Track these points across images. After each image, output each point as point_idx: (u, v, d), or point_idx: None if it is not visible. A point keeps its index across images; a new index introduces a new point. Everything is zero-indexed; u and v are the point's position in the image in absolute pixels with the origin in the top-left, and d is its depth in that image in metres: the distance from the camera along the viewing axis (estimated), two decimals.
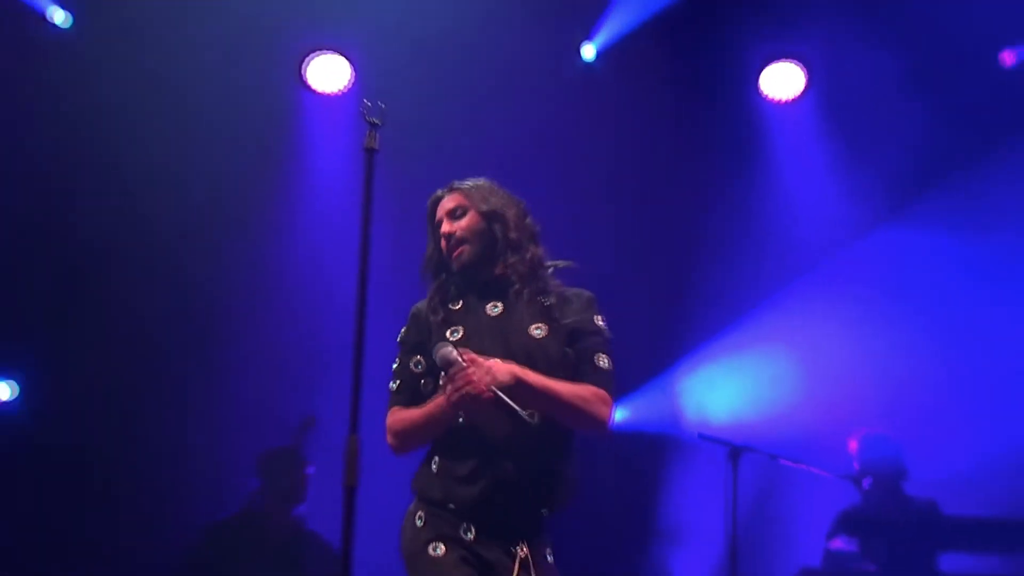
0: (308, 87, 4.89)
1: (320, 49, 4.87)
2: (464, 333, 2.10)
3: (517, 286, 2.17)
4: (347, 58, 4.88)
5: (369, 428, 1.91)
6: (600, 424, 2.18)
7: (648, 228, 4.99)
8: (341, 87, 4.88)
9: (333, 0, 4.84)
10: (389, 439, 2.27)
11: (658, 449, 4.99)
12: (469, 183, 2.33)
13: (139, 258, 4.81)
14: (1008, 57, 5.09)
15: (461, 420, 2.12)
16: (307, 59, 4.87)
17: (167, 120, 4.71)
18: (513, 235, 2.25)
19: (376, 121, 2.07)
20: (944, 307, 4.74)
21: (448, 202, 2.29)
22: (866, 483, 4.09)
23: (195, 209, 4.81)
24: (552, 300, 2.19)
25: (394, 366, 2.33)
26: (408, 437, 2.25)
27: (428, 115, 4.62)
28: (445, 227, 2.26)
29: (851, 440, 4.29)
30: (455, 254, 2.22)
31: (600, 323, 2.23)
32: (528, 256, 2.20)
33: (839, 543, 4.10)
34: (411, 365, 2.25)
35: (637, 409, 4.96)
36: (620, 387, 2.28)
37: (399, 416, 2.24)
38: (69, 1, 4.73)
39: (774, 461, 3.91)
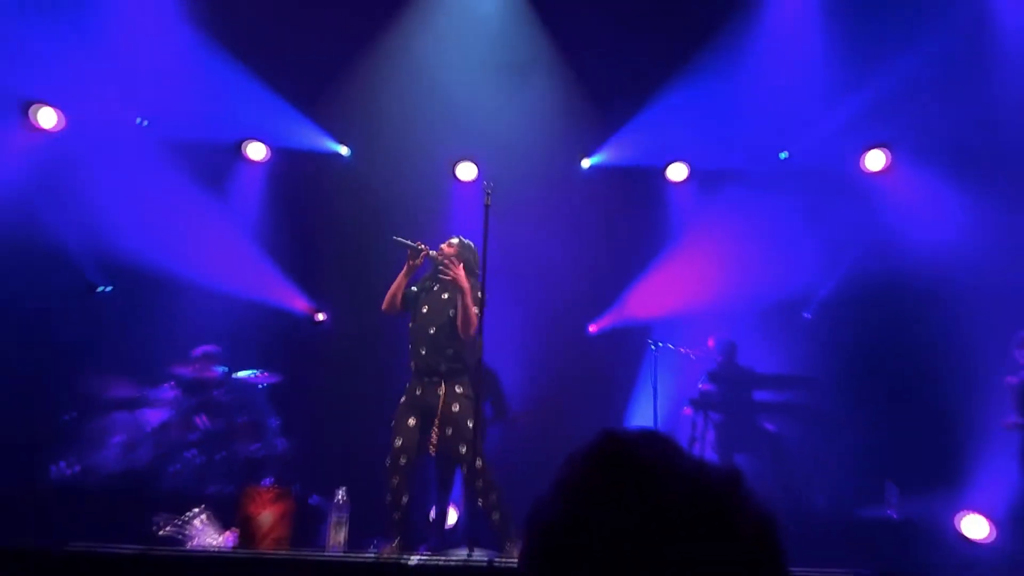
0: (456, 177, 7.85)
1: (460, 158, 7.77)
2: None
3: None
4: (474, 161, 7.86)
5: None
6: (467, 332, 4.53)
7: None
8: (472, 177, 7.84)
9: (469, 124, 7.50)
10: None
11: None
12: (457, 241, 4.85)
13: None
14: None
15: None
16: (456, 162, 7.81)
17: (394, 205, 7.28)
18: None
19: (489, 192, 4.54)
20: None
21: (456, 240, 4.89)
22: (718, 357, 6.79)
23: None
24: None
25: None
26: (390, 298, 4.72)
27: (518, 192, 6.73)
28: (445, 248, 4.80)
29: (710, 339, 6.90)
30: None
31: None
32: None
33: (706, 387, 6.65)
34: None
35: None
36: None
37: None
38: (348, 140, 7.84)
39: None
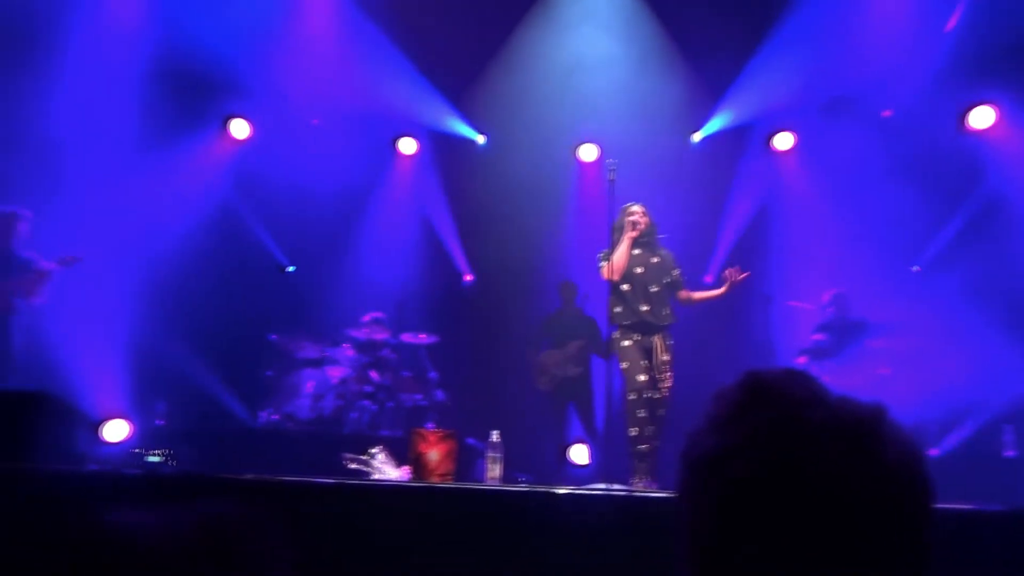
0: (578, 159, 7.77)
1: (583, 141, 7.69)
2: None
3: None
4: (597, 143, 7.69)
5: None
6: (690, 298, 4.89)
7: None
8: (593, 158, 7.74)
9: (591, 109, 7.41)
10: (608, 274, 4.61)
11: None
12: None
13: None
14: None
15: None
16: (580, 145, 7.70)
17: (526, 185, 7.40)
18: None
19: (613, 169, 4.57)
20: None
21: (639, 207, 4.85)
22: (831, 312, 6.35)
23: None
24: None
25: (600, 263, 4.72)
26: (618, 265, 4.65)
27: (634, 166, 6.49)
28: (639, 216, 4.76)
29: (825, 293, 6.44)
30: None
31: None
32: None
33: (818, 337, 6.36)
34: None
35: None
36: None
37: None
38: (485, 130, 7.97)
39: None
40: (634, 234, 4.67)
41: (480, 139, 8.03)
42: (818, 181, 7.35)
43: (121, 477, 3.40)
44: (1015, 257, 6.36)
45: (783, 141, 7.59)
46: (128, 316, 6.55)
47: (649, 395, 4.58)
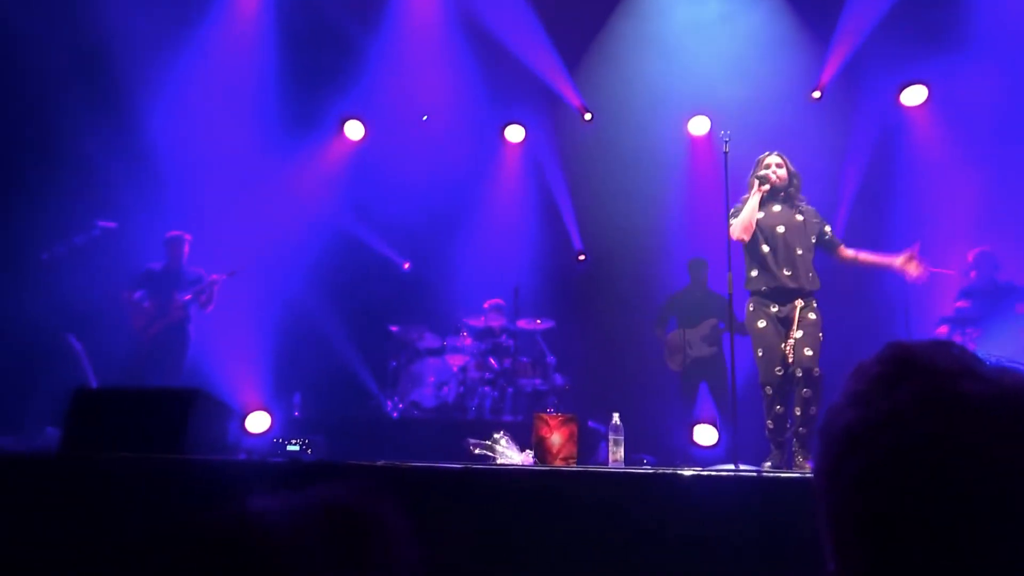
0: (688, 134, 7.63)
1: (695, 112, 7.51)
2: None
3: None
4: (707, 116, 7.51)
5: None
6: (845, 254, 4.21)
7: None
8: (704, 131, 7.55)
9: (703, 72, 7.15)
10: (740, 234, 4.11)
11: None
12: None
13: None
14: None
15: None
16: (689, 118, 7.57)
17: (637, 162, 7.47)
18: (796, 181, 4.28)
19: (727, 140, 4.15)
20: None
21: (776, 157, 4.27)
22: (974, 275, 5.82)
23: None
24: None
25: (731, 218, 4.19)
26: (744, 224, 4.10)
27: (746, 136, 6.34)
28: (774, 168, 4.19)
29: (969, 254, 5.99)
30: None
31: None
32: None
33: (962, 303, 5.79)
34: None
35: None
36: None
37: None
38: (592, 107, 7.84)
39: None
40: (765, 188, 4.16)
41: (587, 116, 7.91)
42: (954, 136, 6.78)
43: (268, 465, 3.60)
44: None
45: (914, 95, 7.06)
46: (265, 314, 6.96)
47: (785, 385, 4.07)
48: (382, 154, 7.93)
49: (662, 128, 7.49)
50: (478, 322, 6.78)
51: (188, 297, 6.15)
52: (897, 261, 4.23)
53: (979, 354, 0.74)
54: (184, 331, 6.20)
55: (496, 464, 3.91)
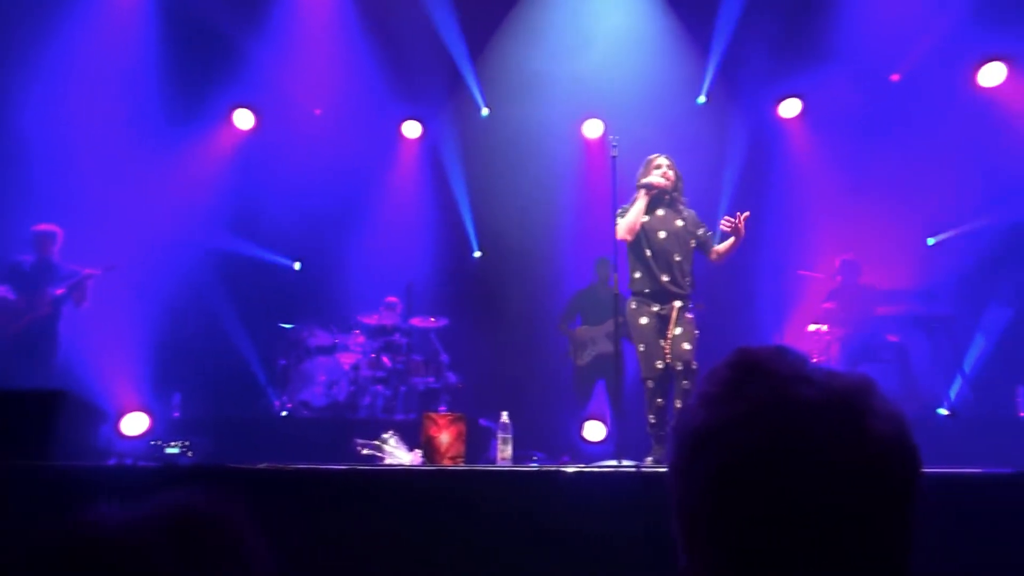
0: (583, 136, 7.67)
1: (589, 115, 7.57)
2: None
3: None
4: (601, 119, 7.57)
5: None
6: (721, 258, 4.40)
7: None
8: (598, 134, 7.61)
9: (598, 76, 7.17)
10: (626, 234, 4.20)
11: None
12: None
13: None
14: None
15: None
16: (584, 120, 7.64)
17: (521, 154, 7.42)
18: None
19: (615, 145, 4.33)
20: None
21: (664, 159, 4.35)
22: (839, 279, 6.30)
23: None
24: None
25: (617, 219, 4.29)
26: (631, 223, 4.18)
27: (635, 140, 6.50)
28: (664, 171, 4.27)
29: (835, 259, 6.36)
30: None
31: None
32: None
33: (829, 304, 6.23)
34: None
35: None
36: None
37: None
38: (489, 103, 7.85)
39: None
40: (652, 192, 4.24)
41: (484, 111, 7.90)
42: (826, 148, 7.21)
43: (137, 471, 3.42)
44: None
45: (790, 107, 7.46)
46: (142, 310, 6.60)
47: (665, 380, 4.19)
48: (274, 146, 7.67)
49: (558, 128, 7.57)
50: (371, 320, 6.67)
51: (61, 292, 5.76)
52: (734, 241, 4.36)
53: (810, 360, 0.79)
54: (53, 329, 5.82)
55: (383, 464, 3.86)
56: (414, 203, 7.98)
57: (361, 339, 6.65)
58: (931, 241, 6.85)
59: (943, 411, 5.78)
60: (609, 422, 6.41)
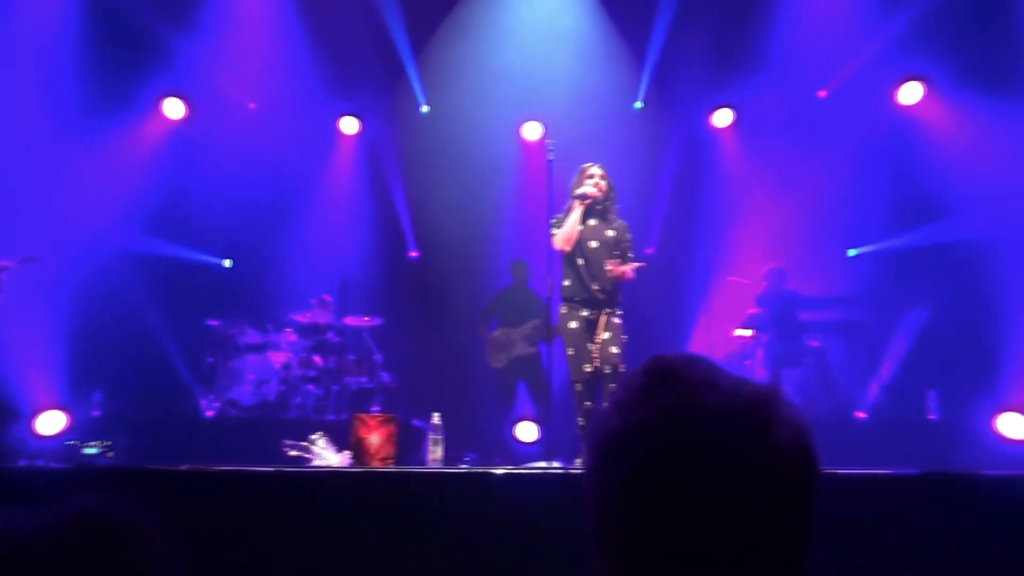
0: (522, 139, 7.66)
1: (527, 117, 7.58)
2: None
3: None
4: (540, 121, 7.54)
5: None
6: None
7: None
8: (537, 136, 7.56)
9: (538, 78, 7.25)
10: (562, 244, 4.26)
11: None
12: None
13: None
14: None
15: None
16: (523, 122, 7.61)
17: (460, 153, 7.36)
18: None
19: (552, 149, 4.50)
20: None
21: (598, 169, 4.39)
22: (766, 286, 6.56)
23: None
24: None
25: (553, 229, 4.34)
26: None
27: (571, 144, 6.57)
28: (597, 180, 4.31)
29: (762, 267, 6.58)
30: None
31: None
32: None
33: (755, 310, 6.45)
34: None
35: None
36: None
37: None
38: (430, 101, 7.71)
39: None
40: (587, 202, 4.27)
41: (424, 108, 7.82)
42: (755, 158, 7.43)
43: (48, 472, 3.27)
44: (948, 231, 6.54)
45: (722, 117, 7.65)
46: (61, 304, 6.32)
47: (593, 383, 4.23)
48: (207, 139, 7.43)
49: (498, 129, 7.56)
50: (304, 318, 6.55)
51: None
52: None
53: (722, 368, 0.81)
54: None
55: (311, 466, 3.79)
56: (350, 200, 7.86)
57: (293, 337, 6.52)
58: (852, 253, 7.12)
59: (860, 414, 6.03)
60: (540, 424, 6.45)
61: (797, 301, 6.53)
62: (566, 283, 4.40)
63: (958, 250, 6.37)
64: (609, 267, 4.20)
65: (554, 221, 4.40)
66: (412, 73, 7.71)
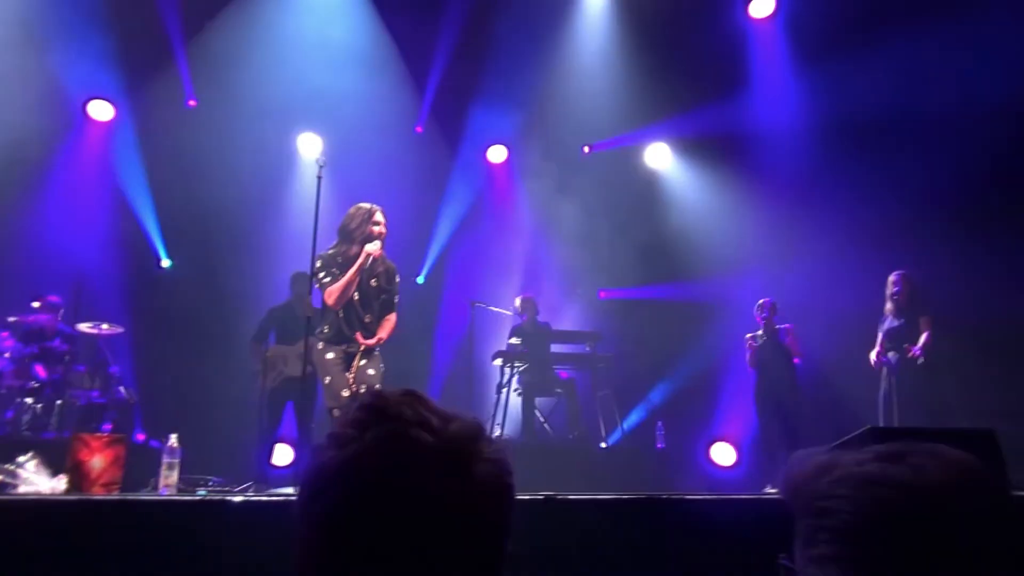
0: (296, 151, 7.48)
1: (303, 128, 7.44)
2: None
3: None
4: (317, 134, 7.46)
5: None
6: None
7: None
8: (315, 151, 7.27)
9: (311, 99, 7.18)
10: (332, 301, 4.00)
11: None
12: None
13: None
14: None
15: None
16: (299, 133, 7.47)
17: (227, 158, 6.90)
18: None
19: (321, 164, 4.34)
20: None
21: (381, 215, 4.14)
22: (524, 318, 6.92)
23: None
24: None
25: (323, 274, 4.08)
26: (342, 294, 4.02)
27: (343, 162, 6.79)
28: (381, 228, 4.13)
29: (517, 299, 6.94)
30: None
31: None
32: None
33: (512, 341, 6.70)
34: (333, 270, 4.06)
35: None
36: None
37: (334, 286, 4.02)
38: (201, 95, 7.20)
39: None
40: (367, 262, 4.09)
41: (191, 103, 7.28)
42: (524, 196, 7.87)
43: None
44: (682, 289, 7.30)
45: (497, 154, 8.00)
46: None
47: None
48: None
49: (271, 138, 7.27)
50: (25, 321, 5.73)
51: None
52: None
53: (435, 407, 0.85)
54: None
55: (15, 494, 3.31)
56: (95, 193, 7.07)
57: (10, 342, 5.69)
58: (601, 296, 7.81)
59: (603, 444, 6.53)
60: (297, 446, 6.19)
61: (549, 334, 6.94)
62: (326, 329, 4.24)
63: (689, 306, 7.20)
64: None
65: (323, 270, 4.15)
66: (181, 61, 7.14)
